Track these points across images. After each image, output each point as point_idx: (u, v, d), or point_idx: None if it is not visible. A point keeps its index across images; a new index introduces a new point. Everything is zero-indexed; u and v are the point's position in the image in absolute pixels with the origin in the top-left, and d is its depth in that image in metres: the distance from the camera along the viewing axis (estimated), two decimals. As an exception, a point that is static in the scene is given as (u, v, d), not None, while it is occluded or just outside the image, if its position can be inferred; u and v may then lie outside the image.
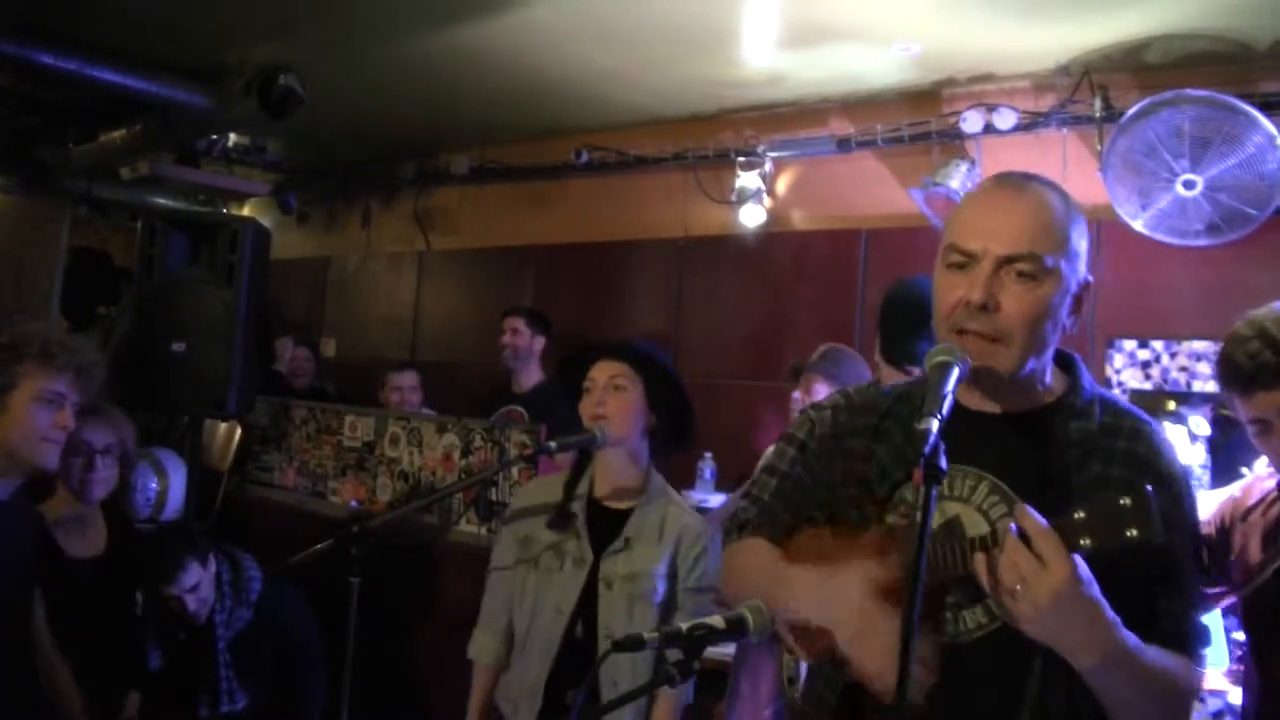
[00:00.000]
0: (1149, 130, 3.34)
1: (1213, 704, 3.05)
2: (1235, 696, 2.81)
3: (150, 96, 4.58)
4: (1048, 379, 1.50)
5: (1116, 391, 3.74)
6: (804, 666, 1.62)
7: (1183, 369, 3.63)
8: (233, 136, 5.81)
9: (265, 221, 4.66)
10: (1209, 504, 2.23)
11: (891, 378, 2.41)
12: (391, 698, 3.92)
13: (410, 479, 4.26)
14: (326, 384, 6.02)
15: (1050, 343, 1.45)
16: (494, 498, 3.81)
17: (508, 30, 3.99)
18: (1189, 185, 3.34)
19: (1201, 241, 3.43)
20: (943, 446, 1.21)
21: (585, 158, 5.31)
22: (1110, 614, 1.28)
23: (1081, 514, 1.25)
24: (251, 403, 4.11)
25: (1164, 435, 1.52)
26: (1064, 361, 1.53)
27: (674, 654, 1.39)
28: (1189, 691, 1.41)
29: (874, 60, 4.08)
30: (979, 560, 1.30)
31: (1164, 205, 3.42)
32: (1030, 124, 4.02)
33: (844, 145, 4.54)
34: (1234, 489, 2.16)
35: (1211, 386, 3.51)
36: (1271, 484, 2.02)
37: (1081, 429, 1.46)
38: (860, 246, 4.47)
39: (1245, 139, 3.23)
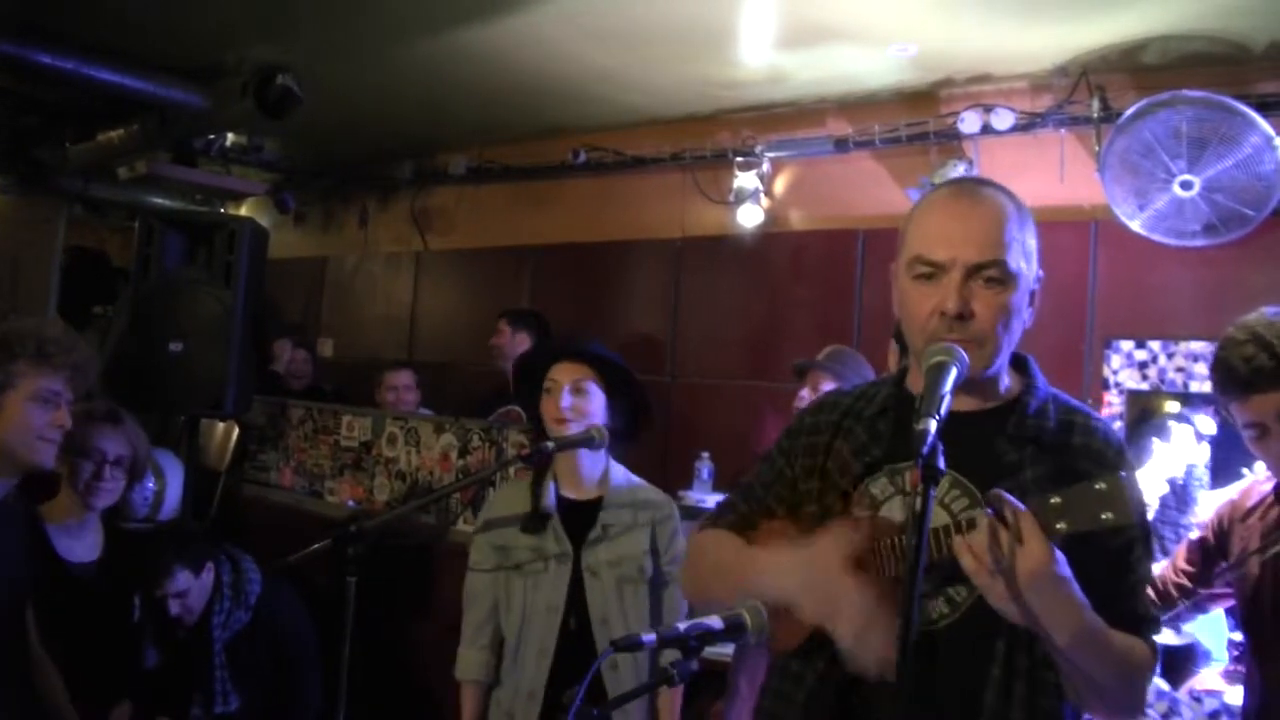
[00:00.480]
0: (1146, 131, 3.35)
1: (1210, 704, 3.06)
2: (1231, 696, 2.82)
3: (148, 96, 4.57)
4: (1005, 379, 1.55)
5: (1114, 392, 3.75)
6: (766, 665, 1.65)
7: (1180, 369, 3.64)
8: (230, 136, 5.80)
9: (262, 221, 4.66)
10: (1209, 506, 2.24)
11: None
12: (388, 697, 3.91)
13: (408, 479, 4.26)
14: (324, 383, 6.02)
15: (1015, 340, 1.51)
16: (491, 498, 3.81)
17: (505, 30, 3.99)
18: (1186, 186, 3.35)
19: (1199, 242, 3.43)
20: (941, 447, 1.23)
21: (583, 158, 5.31)
22: (1081, 595, 1.33)
23: (1057, 498, 1.30)
24: (249, 403, 4.11)
25: (1112, 428, 1.60)
26: (1018, 363, 1.59)
27: (672, 654, 1.39)
28: (1148, 671, 1.47)
29: (871, 61, 4.08)
30: (959, 543, 1.33)
31: (1161, 206, 3.42)
32: (1028, 124, 4.03)
33: (841, 145, 4.54)
34: (1233, 492, 2.17)
35: (1209, 387, 3.51)
36: (1269, 487, 2.03)
37: (1037, 425, 1.51)
38: (858, 247, 4.47)
39: (1242, 140, 3.24)
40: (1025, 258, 1.49)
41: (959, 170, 4.04)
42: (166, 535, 3.28)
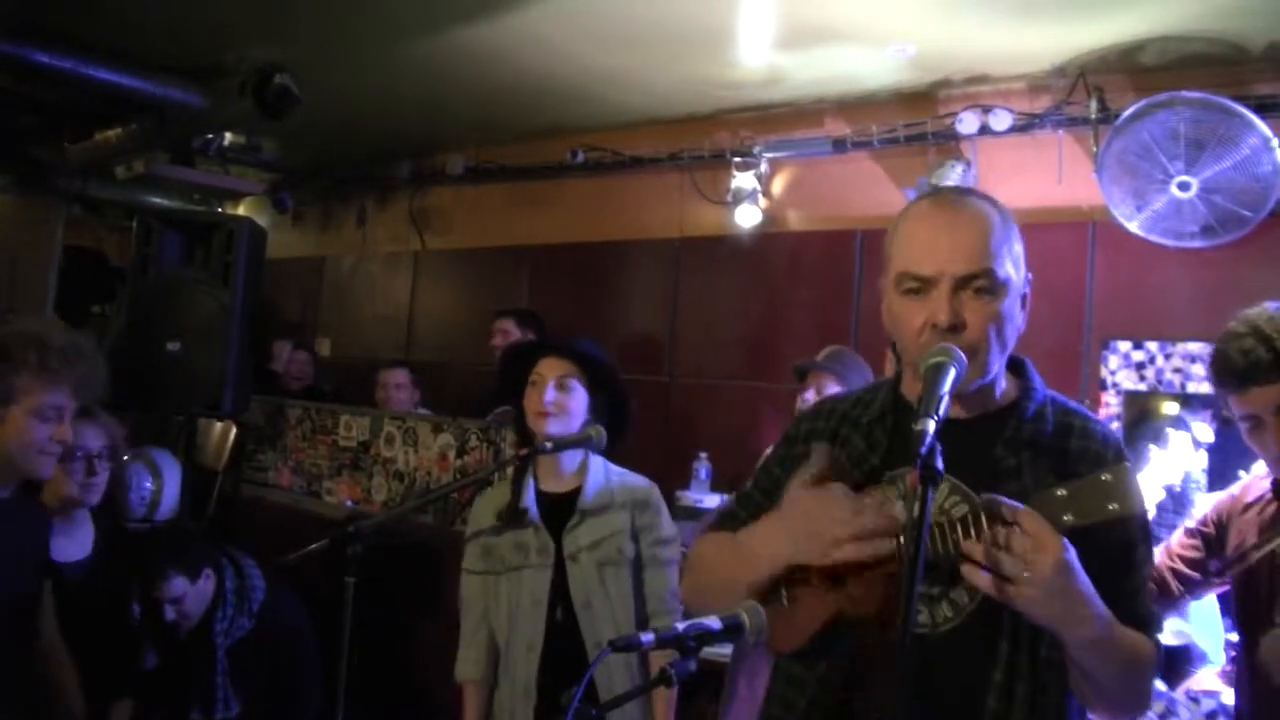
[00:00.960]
0: (1144, 132, 3.35)
1: (1207, 704, 3.06)
2: (1229, 697, 2.82)
3: (146, 96, 4.57)
4: (1002, 383, 1.55)
5: (1112, 393, 3.75)
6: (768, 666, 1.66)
7: (1177, 370, 3.64)
8: (228, 136, 5.80)
9: (260, 221, 4.66)
10: (1208, 502, 2.26)
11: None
12: (387, 697, 3.91)
13: (406, 479, 4.26)
14: (322, 383, 6.02)
15: (1010, 346, 1.50)
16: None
17: (503, 30, 3.99)
18: (1184, 187, 3.35)
19: (1196, 243, 3.44)
20: (939, 448, 1.23)
21: (581, 158, 5.30)
22: (1091, 587, 1.33)
23: (1064, 491, 1.30)
24: (247, 402, 4.11)
25: (1111, 430, 1.61)
26: (1015, 366, 1.59)
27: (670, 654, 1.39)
28: (1153, 668, 1.47)
29: (870, 61, 4.08)
30: (971, 545, 1.33)
31: (1159, 207, 3.43)
32: (1026, 125, 4.03)
33: (840, 146, 4.54)
34: (1233, 488, 2.19)
35: (1206, 388, 3.52)
36: (1268, 483, 2.04)
37: (1035, 429, 1.51)
38: (856, 247, 4.47)
39: (1240, 141, 3.24)
40: (1013, 263, 1.48)
41: (957, 171, 4.04)
42: (162, 536, 3.27)
